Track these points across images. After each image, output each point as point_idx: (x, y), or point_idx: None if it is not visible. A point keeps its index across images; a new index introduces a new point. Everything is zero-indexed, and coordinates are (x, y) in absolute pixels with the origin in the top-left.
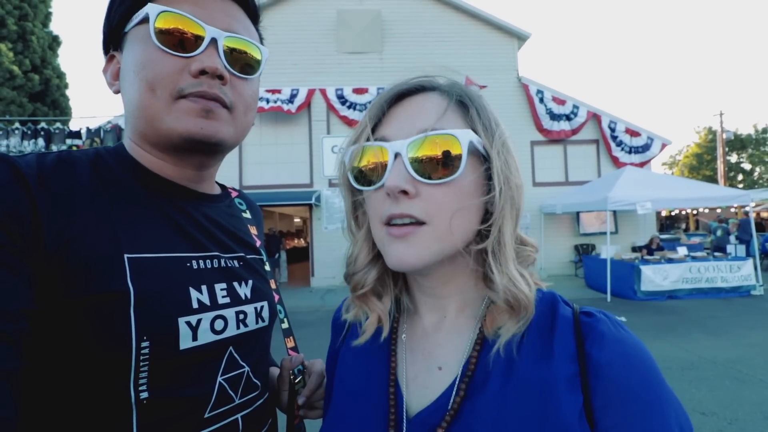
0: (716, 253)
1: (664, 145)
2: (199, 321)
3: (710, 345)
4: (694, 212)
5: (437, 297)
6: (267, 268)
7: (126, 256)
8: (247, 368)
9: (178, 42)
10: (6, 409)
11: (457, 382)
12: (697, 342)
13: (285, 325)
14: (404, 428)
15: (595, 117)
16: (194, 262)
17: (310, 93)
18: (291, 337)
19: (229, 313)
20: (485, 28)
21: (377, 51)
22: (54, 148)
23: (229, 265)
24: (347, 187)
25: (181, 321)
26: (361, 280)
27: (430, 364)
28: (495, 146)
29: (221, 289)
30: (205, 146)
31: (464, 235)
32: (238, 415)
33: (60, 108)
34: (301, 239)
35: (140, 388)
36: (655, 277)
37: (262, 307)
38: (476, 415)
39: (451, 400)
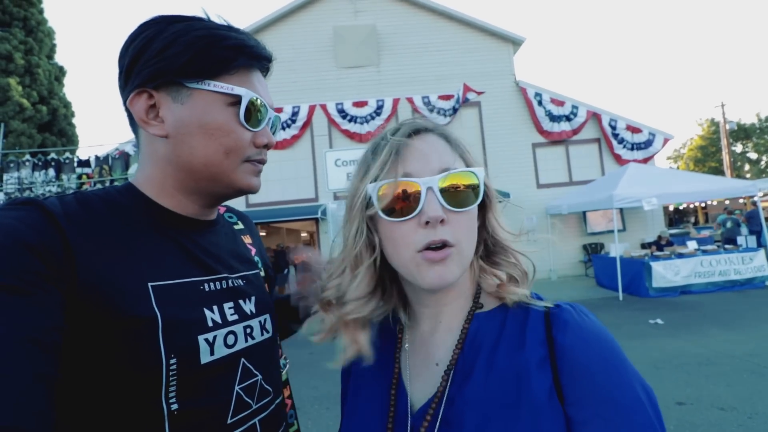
0: (727, 246)
1: (666, 140)
2: (214, 337)
3: (726, 339)
4: (703, 205)
5: (439, 305)
6: (262, 273)
7: (150, 284)
8: (259, 376)
9: (251, 118)
10: (51, 412)
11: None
12: (713, 337)
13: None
14: (409, 422)
15: (595, 116)
16: (206, 285)
17: (311, 109)
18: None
19: (238, 328)
20: (480, 35)
21: (374, 64)
22: (64, 177)
23: (235, 284)
24: (365, 218)
25: (200, 338)
26: (355, 309)
27: (430, 362)
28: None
29: (229, 308)
30: (244, 194)
31: (474, 249)
32: (256, 419)
33: (67, 136)
34: None
35: (170, 401)
36: (666, 272)
37: (265, 319)
38: (466, 401)
39: (439, 390)
